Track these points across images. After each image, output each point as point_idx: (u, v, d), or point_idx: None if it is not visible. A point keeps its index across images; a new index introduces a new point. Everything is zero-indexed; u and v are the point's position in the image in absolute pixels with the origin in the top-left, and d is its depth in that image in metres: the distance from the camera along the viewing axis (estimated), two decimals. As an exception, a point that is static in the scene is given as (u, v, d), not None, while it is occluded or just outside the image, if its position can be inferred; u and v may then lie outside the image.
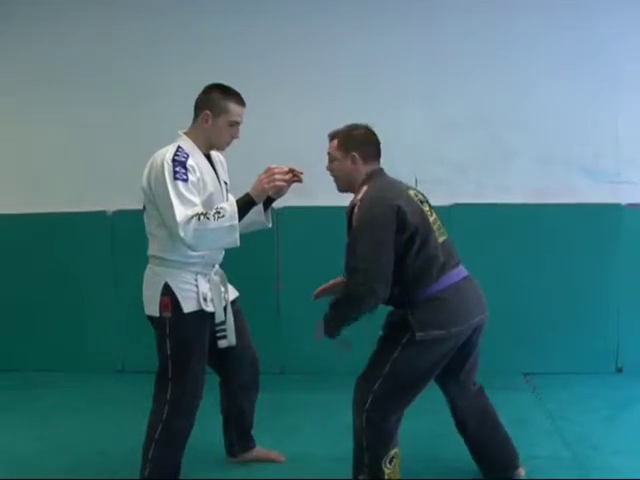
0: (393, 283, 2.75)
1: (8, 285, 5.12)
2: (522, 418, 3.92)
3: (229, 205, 2.85)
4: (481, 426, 3.12)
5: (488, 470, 3.16)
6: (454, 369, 3.00)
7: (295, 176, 3.05)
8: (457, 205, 4.72)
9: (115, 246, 4.99)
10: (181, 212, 2.78)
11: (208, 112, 2.97)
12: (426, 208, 2.91)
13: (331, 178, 3.02)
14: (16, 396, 4.62)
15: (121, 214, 4.92)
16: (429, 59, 4.74)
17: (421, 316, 2.78)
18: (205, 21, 4.84)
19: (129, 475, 3.16)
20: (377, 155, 3.00)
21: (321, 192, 4.51)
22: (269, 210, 3.24)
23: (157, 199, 2.88)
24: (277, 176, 2.89)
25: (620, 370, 4.74)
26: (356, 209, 2.80)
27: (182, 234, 2.78)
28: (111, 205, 4.95)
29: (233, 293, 3.27)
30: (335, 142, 2.97)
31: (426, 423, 3.71)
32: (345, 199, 4.67)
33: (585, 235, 4.69)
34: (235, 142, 3.09)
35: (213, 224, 2.78)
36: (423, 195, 3.01)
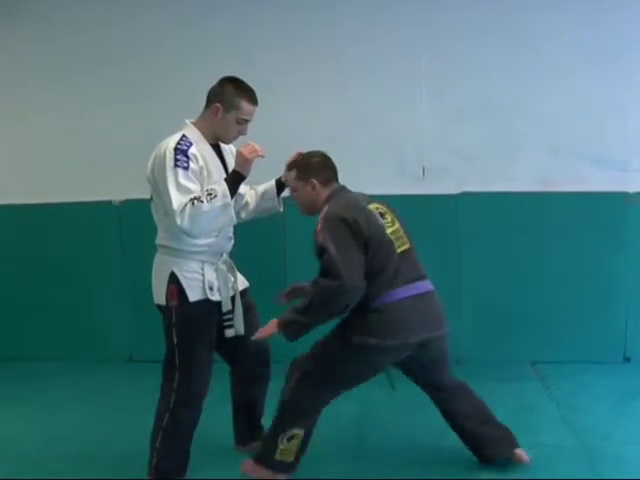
0: None
1: (16, 275, 5.14)
2: (530, 407, 3.93)
3: (218, 185, 2.88)
4: (468, 419, 3.18)
5: (486, 458, 3.20)
6: (420, 377, 3.17)
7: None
8: (465, 194, 4.71)
9: (122, 236, 4.99)
10: (177, 199, 2.80)
11: (219, 105, 2.96)
12: (388, 219, 3.02)
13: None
14: (24, 386, 4.64)
15: (128, 204, 4.92)
16: (436, 48, 4.71)
17: (360, 322, 2.92)
18: (213, 16, 4.82)
19: (137, 464, 3.17)
20: (334, 177, 3.14)
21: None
22: (280, 196, 3.31)
23: (159, 187, 2.89)
24: (257, 147, 2.92)
25: (628, 359, 4.72)
26: (318, 227, 2.92)
27: (179, 221, 2.80)
28: (118, 195, 4.95)
29: (243, 283, 3.27)
30: (293, 173, 3.11)
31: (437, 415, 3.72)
32: (348, 187, 4.70)
33: (593, 224, 4.67)
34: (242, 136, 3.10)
35: (206, 206, 2.81)
36: (387, 206, 3.11)
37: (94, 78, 4.95)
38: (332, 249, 2.83)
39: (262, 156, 2.93)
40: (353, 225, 2.85)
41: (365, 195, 3.13)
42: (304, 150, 3.21)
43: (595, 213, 4.67)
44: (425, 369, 3.14)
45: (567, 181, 4.66)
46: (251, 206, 3.32)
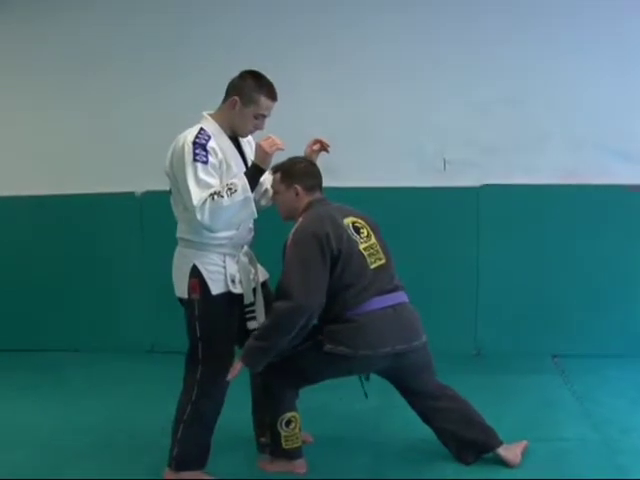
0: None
1: (38, 266, 5.20)
2: (550, 400, 3.92)
3: (238, 179, 2.87)
4: (449, 423, 3.17)
5: (467, 461, 3.17)
6: (399, 384, 3.20)
7: (322, 146, 3.23)
8: (486, 186, 4.69)
9: (144, 227, 5.02)
10: (197, 195, 2.80)
11: (237, 98, 2.95)
12: (364, 233, 3.05)
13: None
14: (45, 376, 4.69)
15: (150, 195, 4.94)
16: (459, 39, 4.68)
17: (333, 331, 2.95)
18: (235, 10, 4.84)
19: (158, 454, 3.19)
20: (318, 186, 3.16)
21: (345, 173, 4.52)
22: None
23: (178, 182, 2.89)
24: (277, 140, 2.90)
25: (650, 354, 4.69)
26: (289, 241, 2.96)
27: (199, 217, 2.80)
28: (140, 186, 4.98)
29: (263, 274, 3.26)
30: (278, 176, 3.13)
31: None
32: (369, 180, 4.65)
33: (616, 216, 4.64)
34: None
35: (227, 201, 2.80)
36: (366, 220, 3.13)
37: (116, 70, 4.98)
38: (292, 269, 2.88)
39: (282, 149, 2.92)
40: (324, 239, 2.88)
41: (343, 208, 3.14)
42: (324, 138, 3.23)
43: (618, 205, 4.63)
44: (404, 377, 3.16)
45: (590, 174, 4.62)
46: (270, 193, 3.32)
